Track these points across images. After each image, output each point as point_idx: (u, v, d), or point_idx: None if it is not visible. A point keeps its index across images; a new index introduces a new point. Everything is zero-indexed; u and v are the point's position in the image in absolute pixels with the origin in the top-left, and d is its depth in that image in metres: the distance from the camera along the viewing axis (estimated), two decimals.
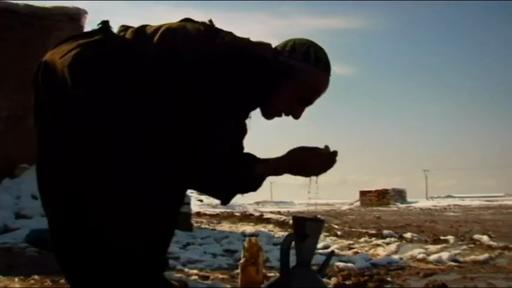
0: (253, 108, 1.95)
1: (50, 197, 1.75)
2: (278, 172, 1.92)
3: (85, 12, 9.68)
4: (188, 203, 9.76)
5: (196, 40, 1.76)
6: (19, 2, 9.48)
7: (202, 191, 2.01)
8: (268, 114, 1.97)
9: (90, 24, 10.04)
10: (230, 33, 1.85)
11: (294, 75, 1.86)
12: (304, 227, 1.93)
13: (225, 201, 1.99)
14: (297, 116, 1.96)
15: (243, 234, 8.31)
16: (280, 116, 1.96)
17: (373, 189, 40.66)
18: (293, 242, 1.98)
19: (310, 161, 1.92)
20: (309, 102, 1.95)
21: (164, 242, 1.84)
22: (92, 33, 1.78)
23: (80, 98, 1.63)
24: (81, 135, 1.62)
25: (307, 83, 1.89)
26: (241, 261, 3.34)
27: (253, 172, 1.91)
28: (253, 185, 1.94)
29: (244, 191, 1.98)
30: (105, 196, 1.64)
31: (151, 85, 1.69)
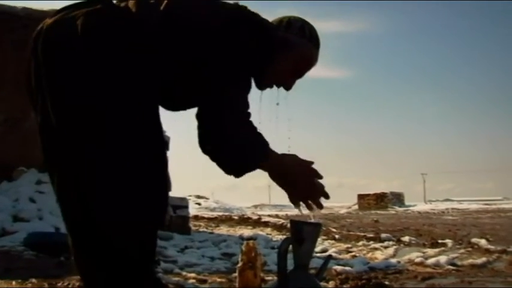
0: (255, 73, 1.94)
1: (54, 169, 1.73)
2: (276, 167, 1.87)
3: None
4: (186, 207, 9.77)
5: (203, 6, 1.84)
6: (17, 4, 9.50)
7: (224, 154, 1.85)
8: (262, 84, 2.00)
9: None
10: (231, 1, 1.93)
11: (290, 48, 1.95)
12: (302, 231, 1.92)
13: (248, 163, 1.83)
14: (289, 88, 2.04)
15: (241, 238, 8.32)
16: (271, 87, 2.02)
17: (371, 192, 40.68)
18: (291, 246, 1.98)
19: (303, 181, 1.90)
20: (301, 75, 2.04)
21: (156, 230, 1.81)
22: (91, 2, 1.74)
23: (85, 69, 1.62)
24: (81, 108, 1.62)
25: (302, 56, 1.98)
26: (239, 264, 3.34)
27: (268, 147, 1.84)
28: (263, 157, 1.83)
29: (256, 159, 1.83)
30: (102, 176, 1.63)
31: (156, 50, 1.70)
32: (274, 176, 1.88)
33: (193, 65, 1.77)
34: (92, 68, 1.62)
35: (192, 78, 1.77)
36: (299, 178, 1.89)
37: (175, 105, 1.96)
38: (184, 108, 1.96)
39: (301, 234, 1.93)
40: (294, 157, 1.90)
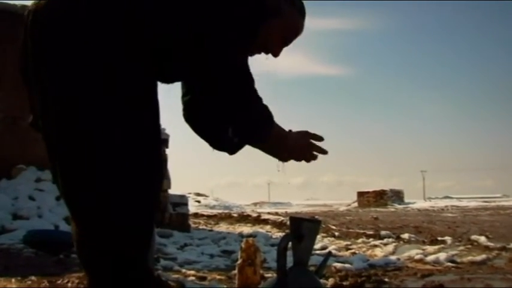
0: (250, 37, 1.96)
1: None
2: (275, 140, 1.96)
3: None
4: (186, 204, 9.78)
5: None
6: (16, 2, 9.50)
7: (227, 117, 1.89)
8: (253, 49, 2.01)
9: None
10: None
11: (281, 14, 2.00)
12: (301, 228, 1.92)
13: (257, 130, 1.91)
14: (276, 54, 2.08)
15: (241, 235, 8.33)
16: (260, 53, 2.05)
17: (370, 190, 40.69)
18: (290, 243, 1.98)
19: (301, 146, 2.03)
20: (288, 42, 2.09)
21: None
22: None
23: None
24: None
25: (292, 25, 2.05)
26: (239, 262, 3.34)
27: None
28: (268, 130, 1.92)
29: (263, 131, 1.91)
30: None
31: (151, 21, 1.68)
32: (272, 145, 1.98)
33: (189, 29, 1.73)
34: (90, 58, 1.60)
35: (188, 43, 1.74)
36: (297, 143, 2.02)
37: (171, 77, 1.93)
38: (178, 79, 1.94)
39: (301, 231, 1.93)
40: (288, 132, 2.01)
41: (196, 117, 1.91)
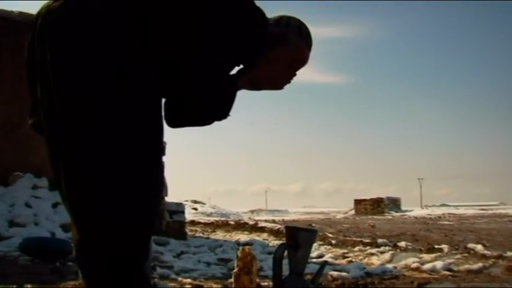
0: (246, 58, 1.98)
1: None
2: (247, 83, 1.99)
3: None
4: (183, 212, 9.77)
5: None
6: (13, 9, 9.50)
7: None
8: (259, 79, 2.03)
9: None
10: None
11: (288, 43, 2.00)
12: (297, 237, 1.93)
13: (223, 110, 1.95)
14: (280, 84, 2.09)
15: (237, 243, 8.32)
16: (265, 85, 2.07)
17: (367, 197, 40.69)
18: (286, 252, 1.98)
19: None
20: (292, 72, 2.08)
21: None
22: None
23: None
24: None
25: (298, 53, 2.04)
26: (235, 270, 3.34)
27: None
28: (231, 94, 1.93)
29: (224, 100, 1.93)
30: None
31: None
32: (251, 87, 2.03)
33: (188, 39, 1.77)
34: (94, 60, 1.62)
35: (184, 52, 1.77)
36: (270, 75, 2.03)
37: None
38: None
39: (297, 240, 1.94)
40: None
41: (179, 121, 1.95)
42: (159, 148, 1.80)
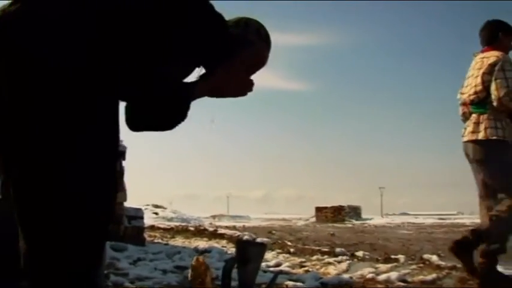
0: (208, 64, 1.98)
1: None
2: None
3: None
4: (142, 217, 9.66)
5: None
6: None
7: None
8: (217, 81, 2.01)
9: None
10: None
11: (248, 45, 2.01)
12: (247, 252, 1.92)
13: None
14: (237, 91, 2.06)
15: (196, 250, 8.26)
16: (222, 92, 2.05)
17: (329, 205, 40.92)
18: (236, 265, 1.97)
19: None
20: (251, 73, 2.09)
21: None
22: None
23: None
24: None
25: (258, 55, 2.07)
26: (189, 279, 3.32)
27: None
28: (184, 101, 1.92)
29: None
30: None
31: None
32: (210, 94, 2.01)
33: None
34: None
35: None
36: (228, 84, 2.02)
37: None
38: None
39: (246, 254, 1.93)
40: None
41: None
42: (112, 152, 1.77)
